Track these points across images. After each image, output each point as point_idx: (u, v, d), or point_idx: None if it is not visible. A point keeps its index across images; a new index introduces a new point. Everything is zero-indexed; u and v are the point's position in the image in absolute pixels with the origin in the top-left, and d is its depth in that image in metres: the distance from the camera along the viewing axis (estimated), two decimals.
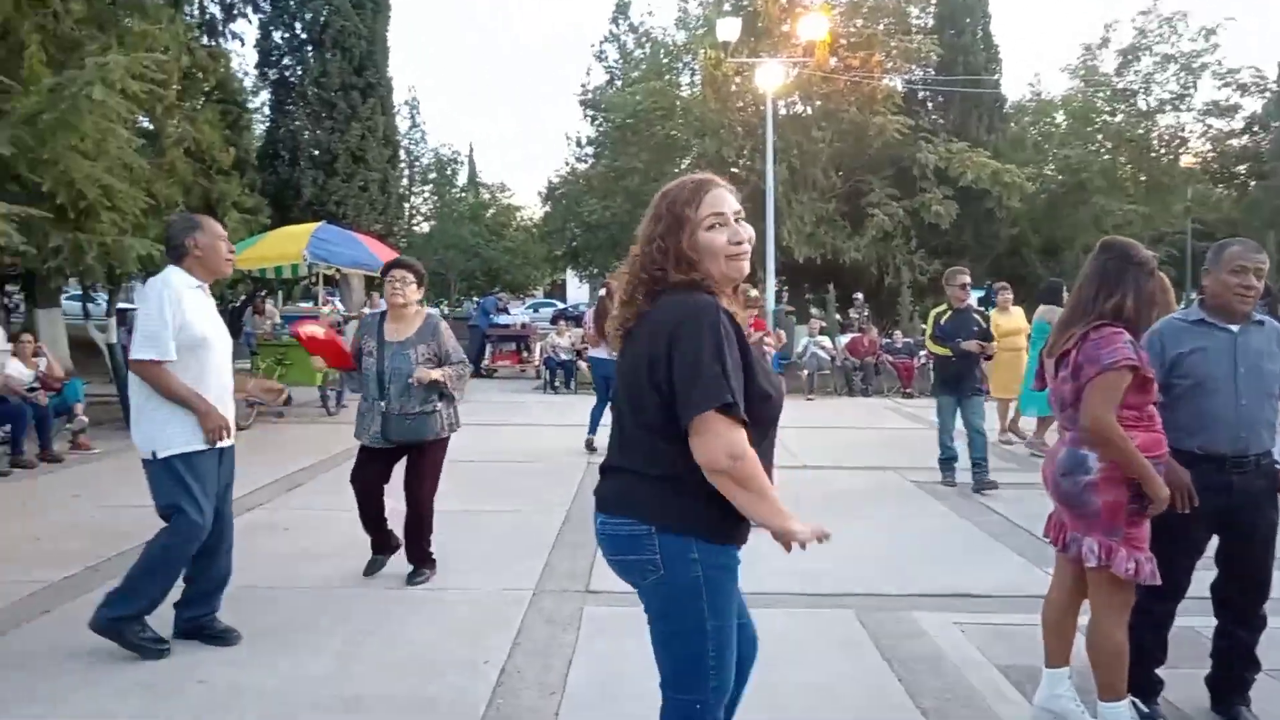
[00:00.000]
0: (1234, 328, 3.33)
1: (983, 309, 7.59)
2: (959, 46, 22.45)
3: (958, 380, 7.62)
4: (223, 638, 4.04)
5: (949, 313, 7.79)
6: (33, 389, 8.51)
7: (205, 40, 18.02)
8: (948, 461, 7.80)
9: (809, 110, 22.04)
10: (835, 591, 4.87)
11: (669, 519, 2.12)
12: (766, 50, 20.11)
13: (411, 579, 4.95)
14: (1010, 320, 9.93)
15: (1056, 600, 3.38)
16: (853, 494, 7.47)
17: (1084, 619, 3.29)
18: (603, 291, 11.17)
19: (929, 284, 19.76)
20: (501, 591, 4.83)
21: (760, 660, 3.96)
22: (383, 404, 4.78)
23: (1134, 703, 3.11)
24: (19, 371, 8.58)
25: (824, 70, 20.43)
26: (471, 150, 63.67)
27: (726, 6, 22.60)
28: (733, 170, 22.37)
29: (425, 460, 4.93)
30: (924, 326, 8.71)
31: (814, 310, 21.06)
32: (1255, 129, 28.35)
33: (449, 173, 34.22)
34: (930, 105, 23.27)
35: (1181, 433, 3.24)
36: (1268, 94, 27.16)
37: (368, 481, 4.93)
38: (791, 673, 3.82)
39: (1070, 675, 3.34)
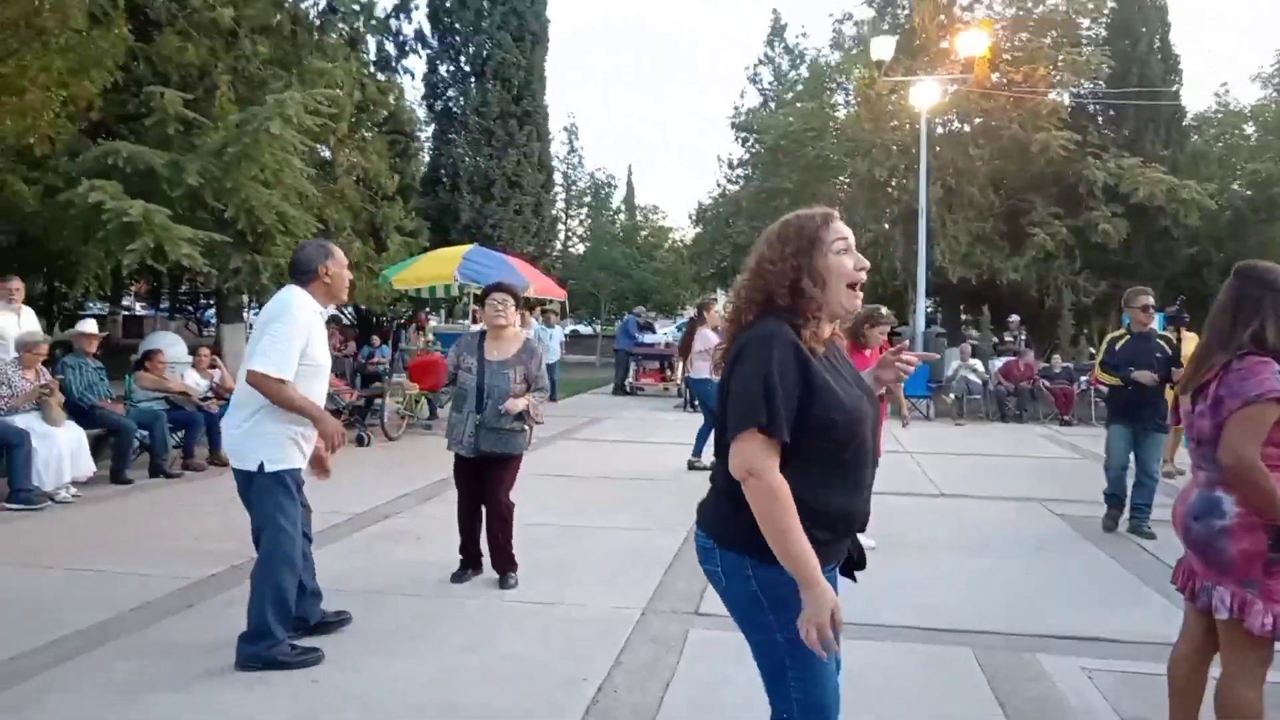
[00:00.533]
0: None
1: (1168, 334, 6.85)
2: (1133, 57, 21.14)
3: (1134, 410, 6.79)
4: (338, 620, 4.42)
5: (1126, 338, 6.97)
6: (206, 398, 9.24)
7: (379, 75, 19.16)
8: (1113, 499, 6.96)
9: (967, 127, 21.29)
10: (955, 627, 4.67)
11: (727, 534, 2.24)
12: (923, 68, 19.59)
13: (504, 584, 5.22)
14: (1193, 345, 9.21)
15: (1184, 655, 3.13)
16: (989, 524, 7.14)
17: (1215, 673, 3.03)
18: (692, 313, 11.16)
19: (1093, 306, 18.65)
20: (611, 609, 4.88)
21: (866, 695, 3.89)
22: (478, 416, 5.09)
23: None
24: (195, 381, 9.34)
25: (984, 86, 19.72)
26: (630, 173, 64.80)
27: (884, 26, 22.17)
28: (887, 189, 21.91)
29: (507, 473, 5.27)
30: (1093, 351, 8.06)
31: (972, 333, 20.27)
32: None
33: (603, 195, 35.00)
34: (1101, 120, 21.97)
35: None
36: None
37: (465, 490, 5.32)
38: (897, 710, 3.70)
39: None
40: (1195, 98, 43.75)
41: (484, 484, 5.24)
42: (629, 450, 10.73)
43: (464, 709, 3.63)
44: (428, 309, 18.78)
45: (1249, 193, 23.81)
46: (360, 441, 10.61)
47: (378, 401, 10.83)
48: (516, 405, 5.07)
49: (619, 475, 8.60)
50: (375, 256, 15.02)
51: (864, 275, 2.28)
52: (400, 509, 7.21)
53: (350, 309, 18.56)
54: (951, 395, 15.27)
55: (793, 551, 2.09)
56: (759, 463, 2.10)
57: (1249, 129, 26.68)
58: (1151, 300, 6.94)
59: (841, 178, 24.66)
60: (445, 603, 4.94)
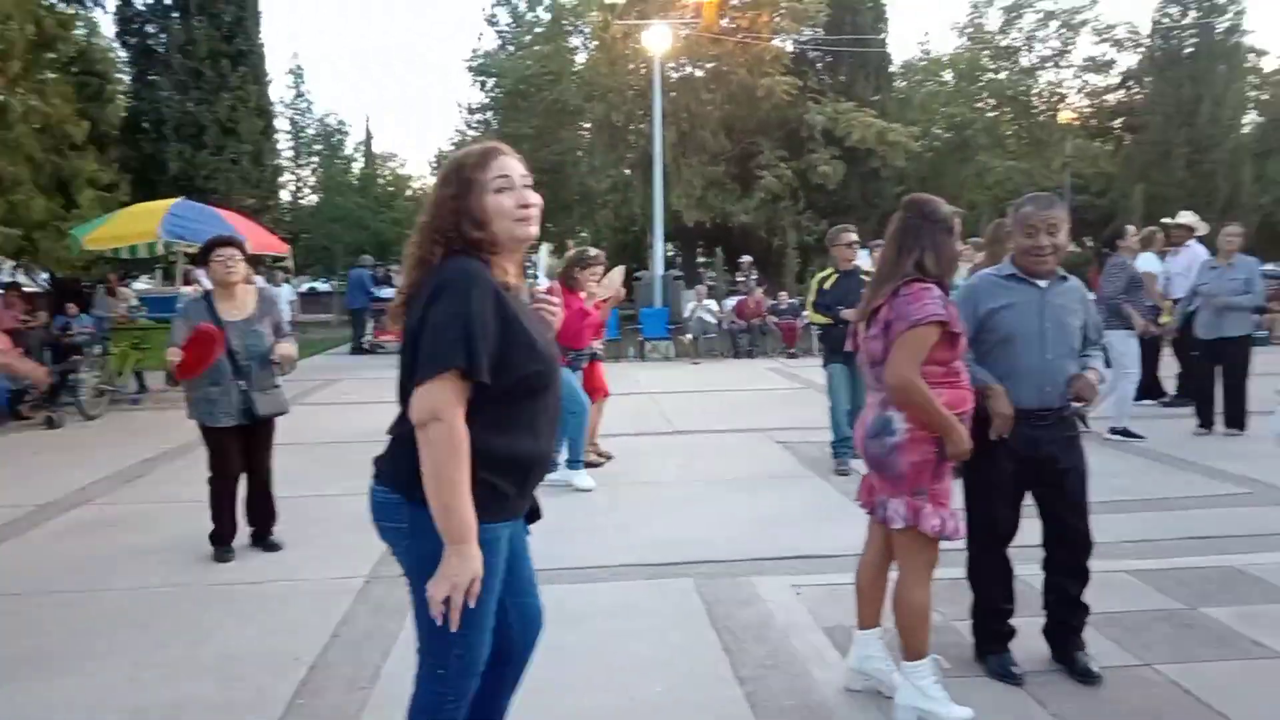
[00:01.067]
0: (1042, 283, 3.38)
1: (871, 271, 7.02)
2: (846, 6, 22.51)
3: (847, 346, 6.67)
4: None
5: (834, 276, 6.84)
6: None
7: (60, 6, 16.87)
8: (843, 443, 6.74)
9: (699, 72, 21.91)
10: (678, 560, 4.81)
11: (415, 488, 2.07)
12: (656, 12, 19.86)
13: (271, 547, 5.16)
14: None
15: (869, 563, 3.36)
16: (717, 457, 7.46)
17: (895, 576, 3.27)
18: None
19: (816, 244, 19.95)
20: (332, 580, 4.63)
21: (589, 638, 3.94)
22: (242, 383, 4.85)
23: (936, 659, 3.11)
24: None
25: (713, 32, 20.30)
26: (368, 121, 61.70)
27: None
28: (625, 134, 22.19)
29: (269, 435, 5.13)
30: (806, 287, 7.97)
31: (709, 274, 21.10)
32: (1130, 84, 29.38)
33: (336, 143, 33.12)
34: (819, 66, 23.30)
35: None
36: (1141, 49, 28.12)
37: (233, 465, 5.01)
38: (624, 647, 3.76)
39: (881, 636, 3.33)
40: (903, 47, 47.54)
41: (249, 453, 5.05)
42: (366, 412, 10.27)
43: (152, 711, 3.30)
44: (119, 272, 16.99)
45: (948, 134, 26.25)
46: (51, 423, 9.49)
47: (72, 377, 9.68)
48: (290, 350, 5.02)
49: (354, 438, 8.21)
50: (64, 214, 13.39)
51: (532, 212, 2.19)
52: (95, 495, 6.50)
53: (46, 274, 16.50)
54: (689, 335, 15.84)
55: (457, 505, 1.99)
56: (448, 407, 2.00)
57: (947, 76, 29.30)
58: (854, 237, 6.95)
59: (582, 123, 24.73)
60: (142, 596, 4.49)
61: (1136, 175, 25.48)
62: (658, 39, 18.13)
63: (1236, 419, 7.79)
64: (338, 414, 10.15)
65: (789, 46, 22.05)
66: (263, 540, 5.18)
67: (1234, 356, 7.79)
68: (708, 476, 6.78)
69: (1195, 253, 9.05)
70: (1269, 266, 23.04)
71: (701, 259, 25.88)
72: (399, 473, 2.13)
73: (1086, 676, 3.33)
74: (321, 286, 35.01)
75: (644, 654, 3.71)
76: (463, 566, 2.00)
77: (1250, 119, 28.48)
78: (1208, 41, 25.35)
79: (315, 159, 33.29)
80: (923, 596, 3.07)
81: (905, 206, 3.16)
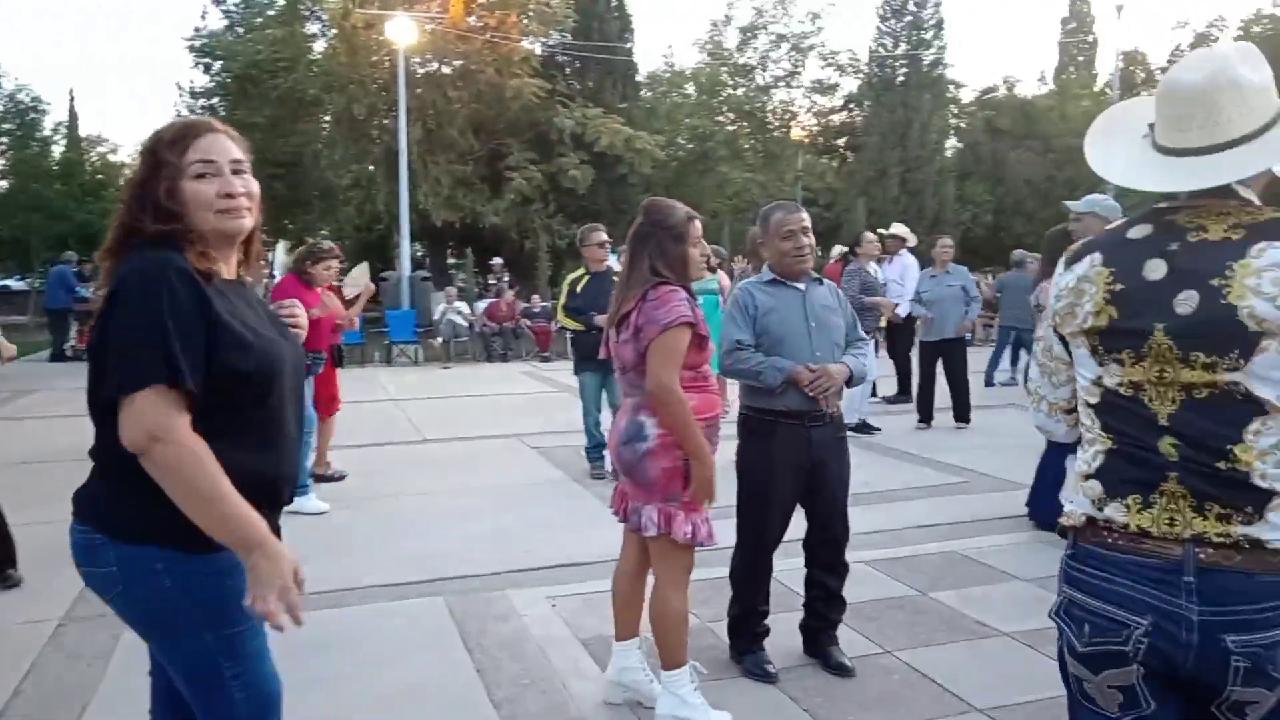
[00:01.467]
0: (801, 285, 3.47)
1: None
2: (594, 13, 22.82)
3: (600, 353, 6.77)
4: None
5: (586, 278, 6.67)
6: None
7: None
8: (596, 449, 6.69)
9: (446, 69, 21.40)
10: (428, 578, 4.53)
11: (123, 524, 1.78)
12: (400, 3, 19.16)
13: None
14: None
15: (624, 572, 3.27)
16: (470, 466, 7.19)
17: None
18: None
19: (568, 248, 20.07)
20: (19, 624, 3.97)
21: (340, 663, 3.60)
22: None
23: (694, 666, 3.07)
24: None
25: (460, 28, 19.88)
26: (72, 100, 55.35)
27: None
28: (369, 129, 21.27)
29: None
30: (559, 291, 7.80)
31: (459, 276, 20.66)
32: (851, 106, 31.92)
33: (30, 122, 29.36)
34: (568, 71, 23.49)
35: (769, 395, 3.34)
36: (861, 75, 30.62)
37: None
38: (372, 674, 3.46)
39: (639, 646, 3.26)
40: (649, 58, 49.04)
41: None
42: (64, 428, 9.08)
43: None
44: None
45: (691, 145, 27.28)
46: None
47: None
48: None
49: (49, 458, 7.19)
50: None
51: (240, 202, 1.88)
52: None
53: None
54: (440, 338, 15.39)
55: (231, 514, 1.69)
56: (165, 423, 1.68)
57: (690, 89, 30.47)
58: (604, 237, 6.83)
59: (321, 114, 23.48)
60: None
61: (859, 191, 27.69)
62: (401, 31, 17.51)
63: (963, 414, 8.54)
64: (31, 431, 8.91)
65: (538, 49, 22.04)
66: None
67: (954, 356, 8.53)
68: (459, 487, 6.51)
69: (906, 261, 9.86)
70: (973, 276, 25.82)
71: (452, 260, 25.32)
72: (100, 509, 1.82)
73: (841, 670, 3.42)
74: (15, 284, 31.00)
75: (393, 680, 3.43)
76: (274, 566, 1.70)
77: (952, 144, 31.79)
78: (916, 72, 28.01)
79: (4, 140, 29.35)
80: (680, 604, 3.02)
81: (642, 211, 3.10)
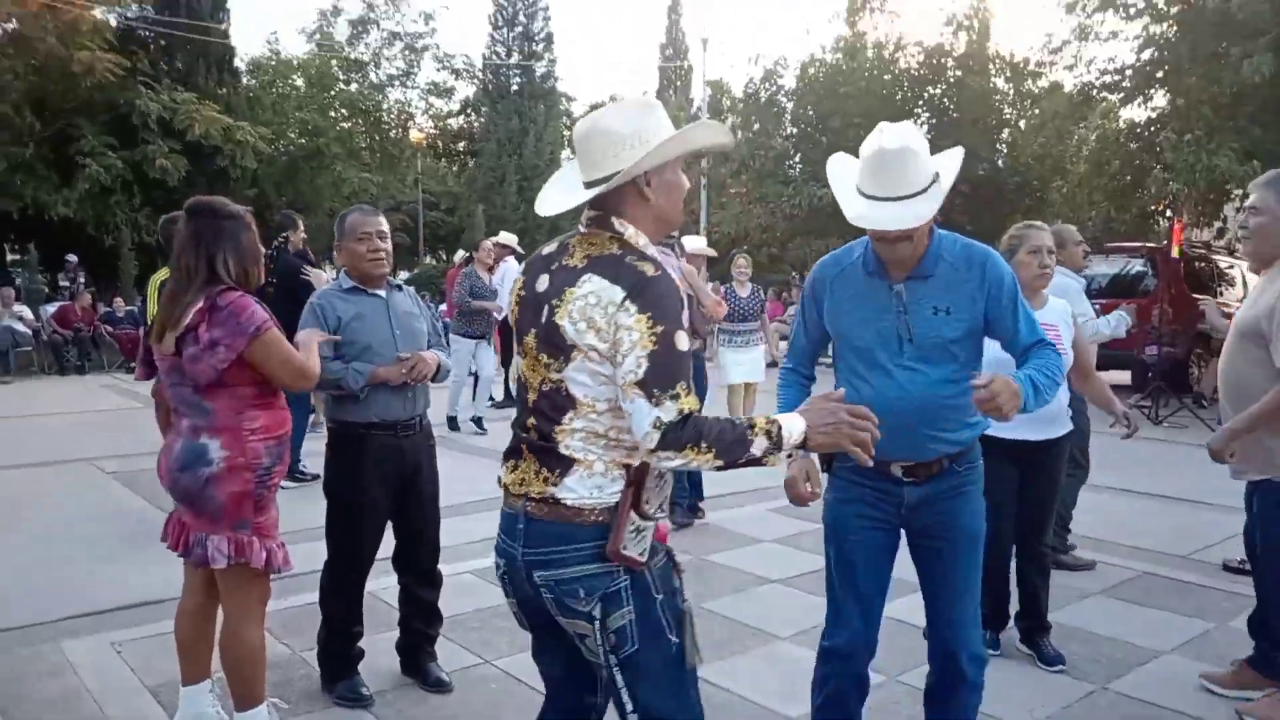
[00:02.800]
0: (381, 292, 3.37)
1: None
2: None
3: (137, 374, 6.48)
4: None
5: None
6: None
7: None
8: None
9: None
10: None
11: None
12: None
13: None
14: None
15: (188, 611, 2.97)
16: (24, 498, 6.19)
17: None
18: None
19: (159, 246, 18.04)
20: None
21: None
22: None
23: (273, 703, 2.85)
24: None
25: None
26: None
27: None
28: None
29: None
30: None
31: (22, 275, 17.79)
32: (469, 111, 32.11)
33: None
34: (152, 49, 21.07)
35: (357, 406, 3.22)
36: (477, 81, 30.90)
37: None
38: None
39: (211, 688, 2.98)
40: (248, 41, 45.64)
41: None
42: None
43: None
44: None
45: (301, 140, 25.79)
46: None
47: None
48: None
49: None
50: None
51: None
52: None
53: None
54: None
55: None
56: None
57: (299, 80, 28.79)
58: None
59: None
60: None
61: (478, 196, 27.93)
62: None
63: None
64: None
65: (112, 21, 19.59)
66: None
67: None
68: (7, 522, 5.57)
69: (510, 268, 10.09)
70: None
71: (12, 257, 21.79)
72: None
73: (439, 686, 3.37)
74: None
75: None
76: None
77: (566, 154, 33.15)
78: (530, 82, 28.85)
79: None
80: (256, 636, 2.79)
81: (191, 212, 2.74)
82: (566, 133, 33.07)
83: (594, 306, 1.75)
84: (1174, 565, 4.92)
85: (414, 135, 31.28)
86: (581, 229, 1.90)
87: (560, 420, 1.82)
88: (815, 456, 2.48)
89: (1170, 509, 6.13)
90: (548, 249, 1.95)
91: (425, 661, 3.44)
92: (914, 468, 2.41)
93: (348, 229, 3.32)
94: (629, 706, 1.86)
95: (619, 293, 1.74)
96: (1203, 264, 12.61)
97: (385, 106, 29.26)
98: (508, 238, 10.45)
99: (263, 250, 2.92)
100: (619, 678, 1.86)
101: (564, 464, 1.82)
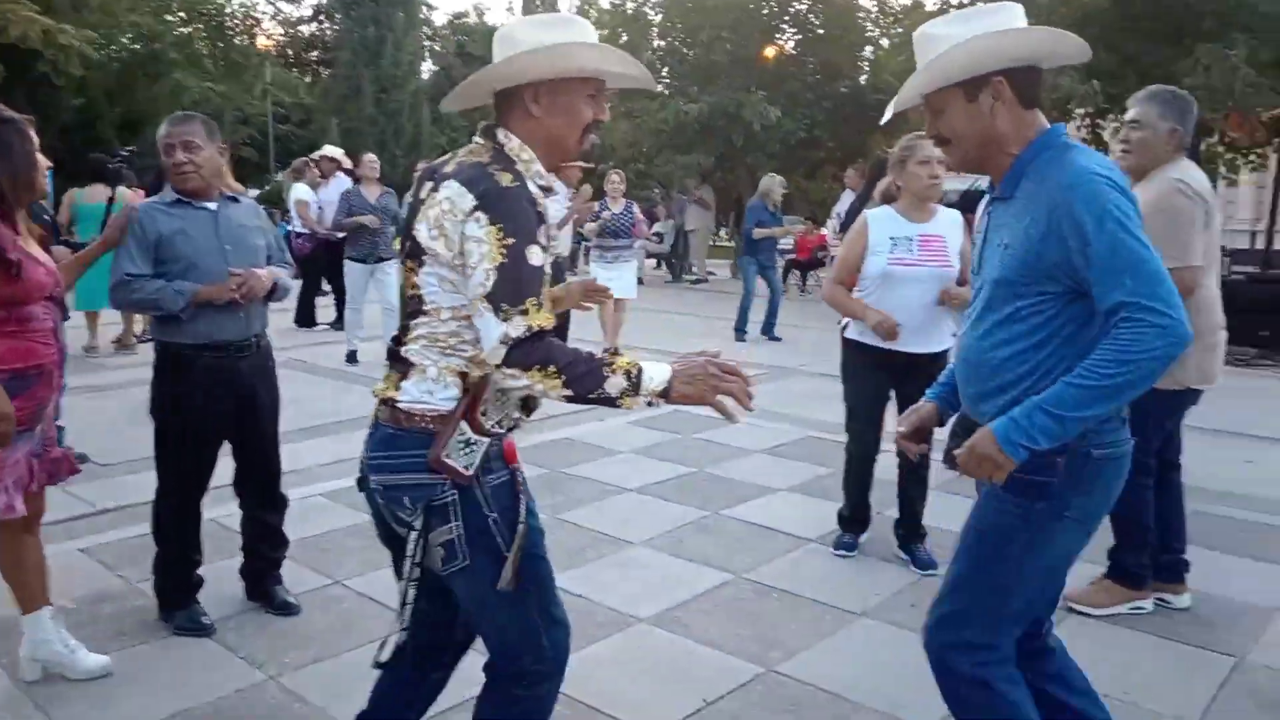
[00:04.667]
0: (212, 205, 3.16)
1: None
2: None
3: None
4: None
5: None
6: None
7: None
8: None
9: None
10: None
11: None
12: None
13: None
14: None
15: None
16: None
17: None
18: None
19: None
20: None
21: None
22: None
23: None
24: None
25: None
26: None
27: None
28: None
29: None
30: None
31: None
32: (321, 18, 30.36)
33: None
34: None
35: (185, 327, 3.04)
36: None
37: None
38: None
39: (54, 615, 2.86)
40: None
41: None
42: None
43: None
44: None
45: (136, 45, 23.89)
46: None
47: None
48: None
49: None
50: None
51: None
52: None
53: None
54: None
55: None
56: None
57: None
58: None
59: None
60: None
61: (332, 109, 26.56)
62: None
63: None
64: None
65: None
66: None
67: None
68: None
69: (342, 183, 9.69)
70: None
71: None
72: None
73: (285, 609, 3.30)
74: None
75: None
76: None
77: (428, 66, 31.86)
78: None
79: None
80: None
81: None
82: (428, 43, 31.74)
83: (446, 214, 1.73)
84: None
85: (261, 42, 29.42)
86: (475, 138, 1.88)
87: (410, 326, 1.83)
88: None
89: None
90: (441, 159, 1.90)
91: (270, 585, 3.35)
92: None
93: (160, 141, 3.09)
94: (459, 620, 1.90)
95: (470, 201, 1.71)
96: None
97: (228, 10, 27.35)
98: (332, 150, 10.05)
99: (43, 161, 2.68)
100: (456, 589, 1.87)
101: (404, 368, 1.82)
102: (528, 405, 1.90)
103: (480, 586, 1.83)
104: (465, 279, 1.72)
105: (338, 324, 9.71)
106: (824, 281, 3.66)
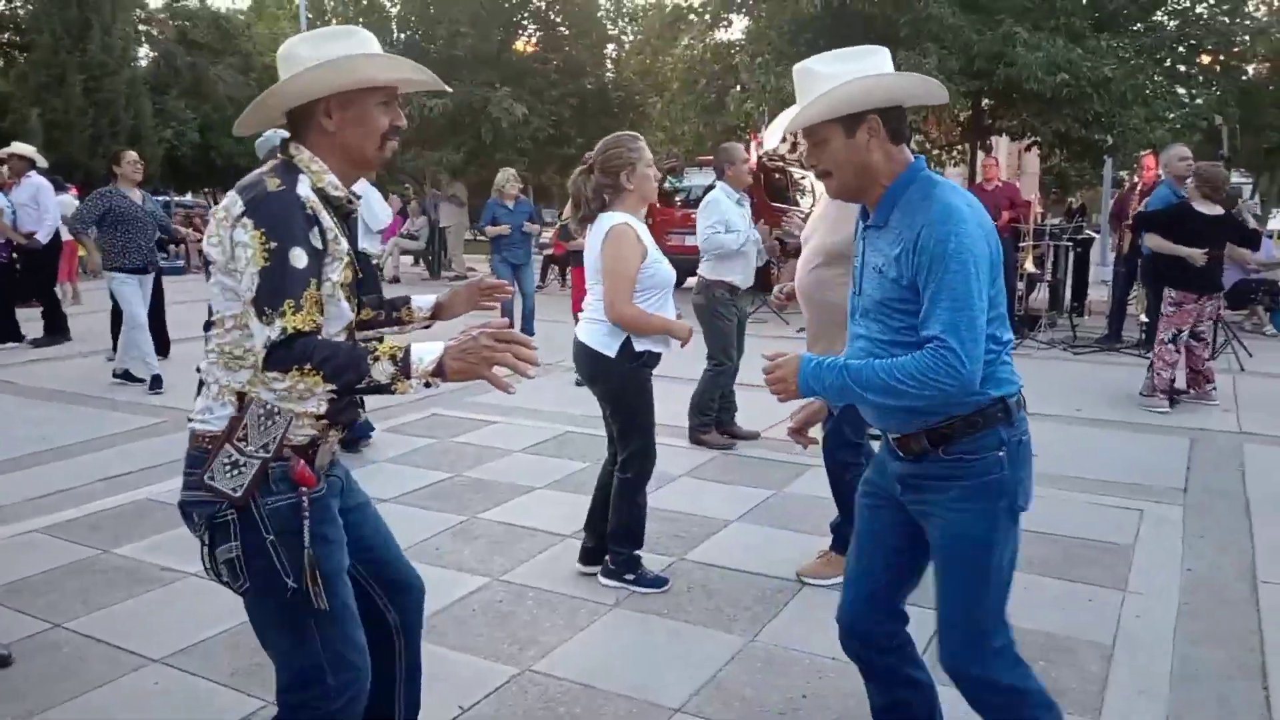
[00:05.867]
0: None
1: None
2: None
3: None
4: None
5: None
6: None
7: None
8: None
9: None
10: None
11: None
12: None
13: None
14: None
15: None
16: None
17: None
18: None
19: None
20: None
21: None
22: None
23: None
24: None
25: None
26: None
27: None
28: None
29: None
30: None
31: None
32: None
33: None
34: None
35: None
36: None
37: None
38: None
39: None
40: None
41: None
42: None
43: None
44: None
45: None
46: None
47: None
48: None
49: None
50: None
51: None
52: None
53: None
54: None
55: None
56: None
57: None
58: None
59: None
60: None
61: (32, 98, 23.82)
62: None
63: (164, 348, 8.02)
64: None
65: None
66: None
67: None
68: None
69: (36, 183, 8.93)
70: (166, 199, 24.32)
71: None
72: None
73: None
74: None
75: None
76: None
77: (145, 53, 29.20)
78: None
79: None
80: None
81: None
82: (143, 26, 29.13)
83: (220, 221, 1.77)
84: (753, 445, 5.61)
85: None
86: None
87: (206, 339, 1.85)
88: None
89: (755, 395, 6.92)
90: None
91: None
92: (900, 440, 2.07)
93: None
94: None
95: (240, 207, 1.74)
96: (780, 175, 14.15)
97: None
98: (22, 148, 9.23)
99: None
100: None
101: (199, 385, 1.86)
102: (335, 419, 1.86)
103: (260, 611, 1.85)
104: (238, 285, 1.74)
105: (44, 340, 8.92)
106: (611, 303, 3.34)
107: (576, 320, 3.72)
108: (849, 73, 1.96)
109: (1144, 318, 9.00)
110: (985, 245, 1.90)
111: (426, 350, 1.72)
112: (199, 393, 1.86)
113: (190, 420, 1.84)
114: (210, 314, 1.84)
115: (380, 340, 1.76)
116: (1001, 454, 1.96)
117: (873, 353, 2.02)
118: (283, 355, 1.68)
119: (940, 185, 1.99)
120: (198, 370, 1.88)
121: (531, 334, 9.74)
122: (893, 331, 2.00)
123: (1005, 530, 2.00)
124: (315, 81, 1.81)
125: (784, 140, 2.23)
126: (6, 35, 27.71)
